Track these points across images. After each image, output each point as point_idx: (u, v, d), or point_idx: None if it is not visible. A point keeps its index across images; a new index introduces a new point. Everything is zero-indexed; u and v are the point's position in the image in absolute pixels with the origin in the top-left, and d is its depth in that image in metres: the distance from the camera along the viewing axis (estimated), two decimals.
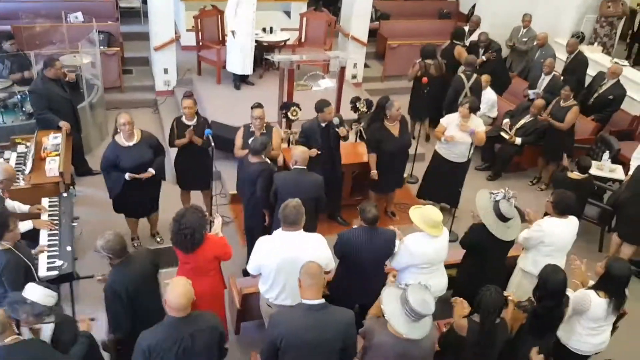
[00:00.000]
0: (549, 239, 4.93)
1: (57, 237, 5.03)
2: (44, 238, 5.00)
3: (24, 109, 7.04)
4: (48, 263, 4.69)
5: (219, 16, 9.40)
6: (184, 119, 6.06)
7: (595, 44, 10.62)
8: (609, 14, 10.54)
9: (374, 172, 6.54)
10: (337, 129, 6.22)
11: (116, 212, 6.05)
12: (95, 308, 4.78)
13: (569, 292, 4.32)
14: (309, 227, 4.58)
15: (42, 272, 4.56)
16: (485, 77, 8.33)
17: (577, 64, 9.09)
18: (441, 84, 8.49)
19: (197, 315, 3.52)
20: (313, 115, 6.40)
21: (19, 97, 7.09)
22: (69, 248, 4.89)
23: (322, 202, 5.32)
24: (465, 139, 6.44)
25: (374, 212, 4.49)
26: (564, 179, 6.55)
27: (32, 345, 3.41)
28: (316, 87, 7.73)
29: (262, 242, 4.26)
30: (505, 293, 4.39)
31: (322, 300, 3.55)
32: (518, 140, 7.87)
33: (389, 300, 3.57)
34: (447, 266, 4.91)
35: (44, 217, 5.25)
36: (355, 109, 7.45)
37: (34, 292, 3.45)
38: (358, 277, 4.57)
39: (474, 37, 9.51)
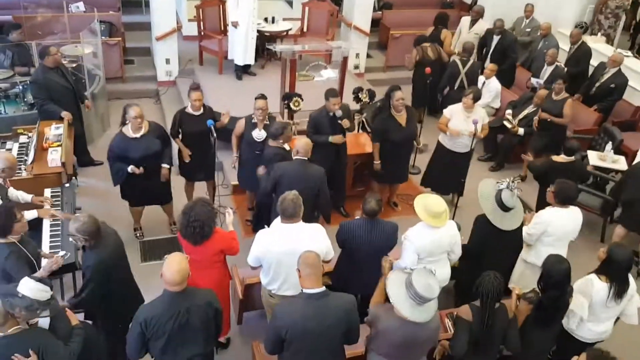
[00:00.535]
0: (550, 228, 4.94)
1: (59, 228, 5.04)
2: (46, 228, 5.02)
3: (25, 99, 7.04)
4: (51, 253, 4.68)
5: (221, 6, 9.37)
6: (189, 110, 6.03)
7: (599, 34, 10.56)
8: (614, 5, 10.47)
9: (377, 163, 6.52)
10: (339, 121, 6.21)
11: (123, 198, 6.04)
12: None
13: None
14: (309, 220, 4.58)
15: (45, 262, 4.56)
16: (491, 66, 8.30)
17: (581, 54, 9.04)
18: (440, 68, 8.55)
19: (193, 291, 3.62)
20: (315, 106, 6.39)
21: (20, 87, 7.09)
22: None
23: (323, 194, 5.30)
24: (470, 129, 6.43)
25: (372, 205, 4.50)
26: (550, 164, 6.31)
27: (34, 334, 3.43)
28: (318, 78, 7.71)
29: (262, 235, 4.26)
30: (510, 286, 4.41)
31: (323, 288, 3.57)
32: (521, 131, 7.85)
33: (393, 285, 3.60)
34: None
35: (46, 207, 5.25)
36: (357, 99, 7.43)
37: (27, 287, 3.43)
38: (358, 267, 4.59)
39: (476, 27, 9.48)
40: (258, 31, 8.99)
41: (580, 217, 5.08)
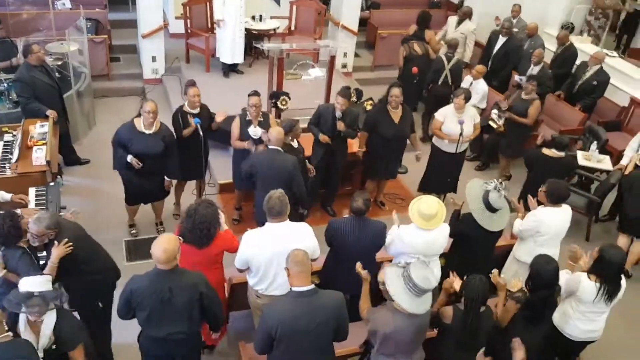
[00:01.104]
0: (544, 228, 5.00)
1: None
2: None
3: (10, 97, 6.96)
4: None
5: (208, 4, 9.31)
6: (187, 108, 5.98)
7: (585, 34, 10.63)
8: (606, 6, 10.55)
9: (360, 150, 6.60)
10: (337, 119, 6.22)
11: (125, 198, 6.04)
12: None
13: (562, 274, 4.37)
14: (293, 213, 4.72)
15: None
16: (479, 68, 8.33)
17: (568, 56, 9.10)
18: (427, 64, 8.69)
19: (181, 272, 3.74)
20: (303, 105, 6.37)
21: (5, 85, 7.00)
22: None
23: (295, 183, 5.34)
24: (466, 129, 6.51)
25: (359, 204, 4.51)
26: (538, 155, 6.49)
27: (19, 345, 3.41)
28: (306, 76, 7.72)
29: (250, 236, 4.25)
30: (496, 278, 4.42)
31: (312, 286, 3.58)
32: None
33: (392, 280, 3.65)
34: None
35: (31, 207, 5.20)
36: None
37: (34, 283, 3.47)
38: (346, 266, 4.58)
39: (462, 27, 9.53)
40: (246, 29, 8.95)
41: (570, 215, 5.15)
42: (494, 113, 8.06)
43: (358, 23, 10.18)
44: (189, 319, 3.78)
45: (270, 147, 5.40)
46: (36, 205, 5.22)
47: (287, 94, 7.07)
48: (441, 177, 6.96)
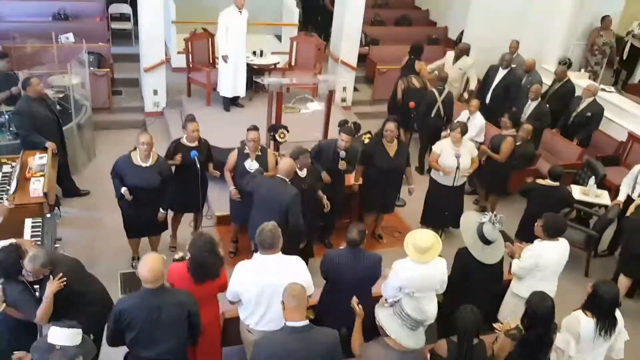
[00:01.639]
0: (542, 261, 4.95)
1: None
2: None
3: (11, 128, 7.01)
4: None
5: (210, 39, 9.47)
6: (185, 141, 6.03)
7: (582, 70, 10.75)
8: (601, 42, 10.70)
9: (355, 184, 6.62)
10: (340, 159, 6.25)
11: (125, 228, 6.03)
12: None
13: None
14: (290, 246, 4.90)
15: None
16: (473, 102, 8.40)
17: (565, 92, 9.16)
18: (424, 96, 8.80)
19: (167, 290, 3.86)
20: (301, 138, 6.40)
21: (6, 116, 7.07)
22: None
23: (291, 215, 5.29)
24: (460, 163, 6.52)
25: (354, 235, 4.50)
26: (533, 186, 6.55)
27: None
28: (304, 110, 7.79)
29: (241, 268, 4.21)
30: (495, 325, 4.36)
31: (307, 322, 3.54)
32: None
33: (386, 319, 3.63)
34: None
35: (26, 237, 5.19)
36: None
37: (60, 336, 3.38)
38: (342, 299, 4.53)
39: (460, 62, 9.64)
40: (247, 64, 9.07)
41: (568, 248, 5.10)
42: (484, 149, 8.08)
43: (357, 58, 10.32)
44: (176, 336, 3.85)
45: (278, 175, 5.43)
46: (32, 236, 5.22)
47: (285, 127, 7.11)
48: (440, 210, 6.96)
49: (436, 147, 6.84)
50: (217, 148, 7.31)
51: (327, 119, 7.68)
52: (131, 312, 3.72)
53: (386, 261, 4.72)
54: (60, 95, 7.76)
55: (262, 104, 8.24)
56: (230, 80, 8.82)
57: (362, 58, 11.00)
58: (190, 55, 9.36)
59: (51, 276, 4.01)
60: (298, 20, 11.33)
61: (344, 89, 10.22)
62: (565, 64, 10.40)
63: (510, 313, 5.03)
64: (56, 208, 6.31)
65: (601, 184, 7.71)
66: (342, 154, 6.24)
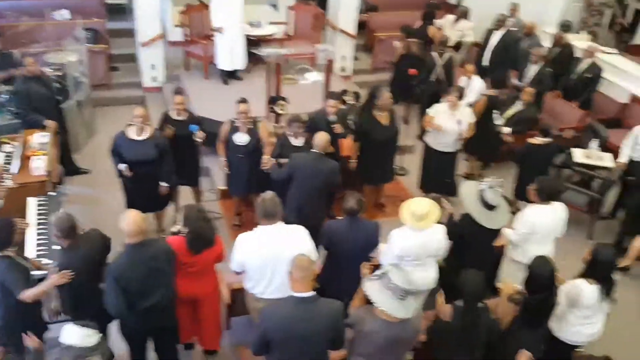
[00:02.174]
0: (537, 227, 4.92)
1: (45, 237, 4.99)
2: (32, 237, 4.98)
3: (10, 108, 6.98)
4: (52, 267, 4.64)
5: (206, 11, 9.35)
6: (172, 114, 6.01)
7: (581, 33, 10.61)
8: (598, 2, 10.55)
9: (353, 162, 6.57)
10: (332, 125, 6.22)
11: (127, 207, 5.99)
12: None
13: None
14: (323, 214, 5.46)
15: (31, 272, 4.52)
16: (469, 67, 8.30)
17: (565, 57, 9.08)
18: (422, 65, 8.64)
19: (150, 241, 4.01)
20: (301, 109, 6.38)
21: (5, 96, 7.04)
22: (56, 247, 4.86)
23: (335, 188, 5.60)
24: (454, 128, 6.45)
25: (351, 204, 4.52)
26: (525, 147, 6.58)
27: None
28: (303, 81, 7.72)
29: (244, 239, 4.24)
30: (498, 284, 4.40)
31: (313, 293, 3.57)
32: (507, 130, 7.85)
33: (373, 289, 3.58)
34: None
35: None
36: (342, 101, 7.43)
37: (71, 335, 3.36)
38: (343, 268, 4.58)
39: (459, 25, 9.52)
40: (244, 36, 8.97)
41: (565, 214, 5.07)
42: (494, 113, 8.04)
43: (357, 26, 10.19)
44: (169, 282, 4.01)
45: (313, 151, 5.46)
46: (38, 215, 5.24)
47: (284, 99, 7.08)
48: (434, 175, 6.93)
49: (431, 111, 6.78)
50: (215, 121, 7.30)
51: (327, 88, 7.63)
52: (126, 269, 3.83)
53: (389, 230, 4.71)
54: (58, 73, 7.69)
55: (261, 76, 8.18)
56: (227, 53, 8.74)
57: (361, 26, 10.85)
58: (187, 29, 9.26)
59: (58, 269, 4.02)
60: None
61: (344, 57, 10.12)
62: (566, 26, 10.25)
63: (508, 277, 5.07)
64: (59, 186, 6.32)
65: (604, 146, 7.68)
66: (333, 117, 6.23)
